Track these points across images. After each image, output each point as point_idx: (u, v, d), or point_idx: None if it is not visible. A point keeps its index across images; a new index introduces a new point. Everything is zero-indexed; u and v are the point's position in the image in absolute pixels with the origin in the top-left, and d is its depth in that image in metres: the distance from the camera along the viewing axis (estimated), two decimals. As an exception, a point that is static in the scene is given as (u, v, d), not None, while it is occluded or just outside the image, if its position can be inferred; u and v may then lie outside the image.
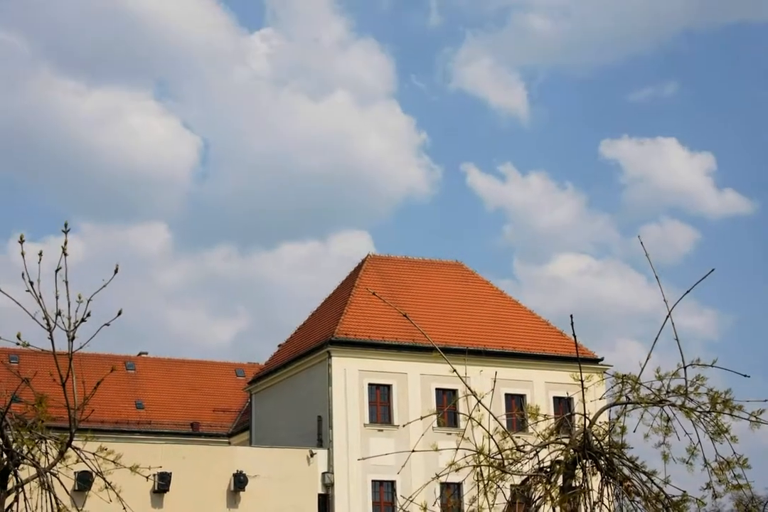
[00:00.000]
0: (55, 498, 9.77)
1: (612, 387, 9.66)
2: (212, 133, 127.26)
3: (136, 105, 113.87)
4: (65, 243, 8.63)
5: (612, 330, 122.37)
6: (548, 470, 9.35)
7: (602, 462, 9.27)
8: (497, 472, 9.29)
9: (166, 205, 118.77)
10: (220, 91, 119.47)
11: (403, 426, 41.27)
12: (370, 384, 44.40)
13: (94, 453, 10.18)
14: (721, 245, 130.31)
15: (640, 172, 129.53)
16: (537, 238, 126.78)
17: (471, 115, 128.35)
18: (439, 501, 10.20)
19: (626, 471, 9.25)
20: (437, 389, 44.33)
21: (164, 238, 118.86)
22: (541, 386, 46.21)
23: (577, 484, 9.22)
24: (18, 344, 9.10)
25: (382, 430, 43.59)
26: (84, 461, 10.11)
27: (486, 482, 9.27)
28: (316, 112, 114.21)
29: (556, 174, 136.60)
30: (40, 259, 8.51)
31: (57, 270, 8.51)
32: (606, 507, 9.17)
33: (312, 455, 42.88)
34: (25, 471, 9.91)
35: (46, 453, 9.96)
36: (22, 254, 8.57)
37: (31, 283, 8.58)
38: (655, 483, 9.20)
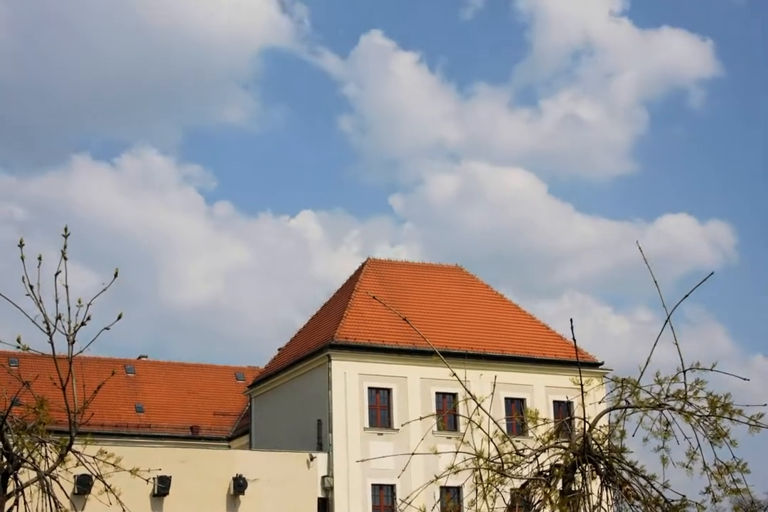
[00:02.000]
0: (55, 501, 9.78)
1: (611, 391, 9.67)
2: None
3: None
4: (65, 247, 8.63)
5: (550, 276, 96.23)
6: (548, 474, 9.35)
7: (602, 466, 9.27)
8: (497, 476, 9.29)
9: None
10: None
11: (402, 425, 41.28)
12: (369, 388, 44.36)
13: (94, 457, 10.19)
14: (673, 115, 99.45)
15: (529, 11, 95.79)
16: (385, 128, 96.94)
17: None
18: (438, 505, 10.20)
19: (626, 475, 9.25)
20: (437, 393, 44.30)
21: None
22: (541, 390, 46.19)
23: (577, 488, 9.22)
24: (18, 347, 9.10)
25: (381, 434, 43.55)
26: (84, 464, 10.12)
27: (485, 486, 9.27)
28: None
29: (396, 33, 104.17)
30: (39, 263, 8.52)
31: (56, 274, 8.52)
32: (605, 510, 9.17)
33: (312, 459, 42.84)
34: (25, 475, 9.91)
35: (46, 456, 9.96)
36: (22, 258, 8.57)
37: (31, 287, 8.58)
38: (654, 488, 9.21)
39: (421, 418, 11.12)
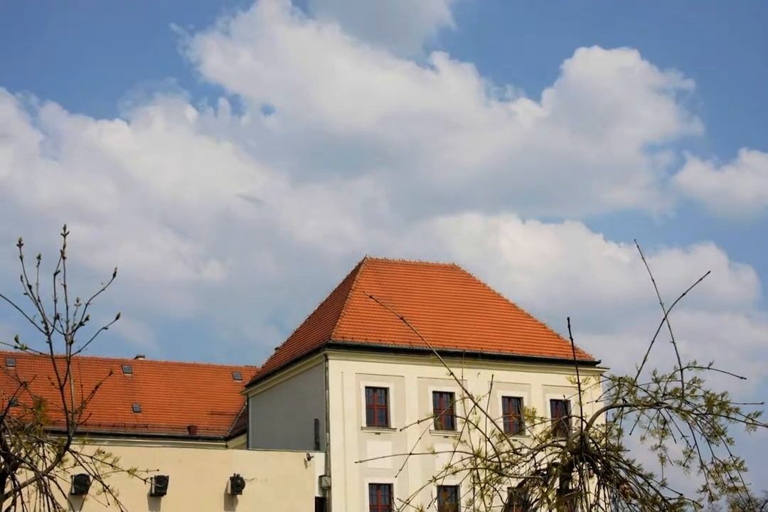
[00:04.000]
0: (53, 501, 9.78)
1: (609, 390, 9.68)
2: None
3: None
4: (64, 246, 8.63)
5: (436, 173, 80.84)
6: (545, 473, 9.36)
7: (599, 465, 9.28)
8: (494, 475, 9.30)
9: None
10: None
11: (401, 430, 41.27)
12: (367, 387, 44.39)
13: (91, 457, 10.19)
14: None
15: None
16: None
17: None
18: (435, 504, 10.20)
19: (623, 474, 9.26)
20: (434, 392, 44.32)
21: None
22: (538, 389, 46.23)
23: (574, 487, 9.23)
24: (16, 347, 9.10)
25: (379, 433, 43.57)
26: (81, 464, 10.11)
27: (483, 485, 9.27)
28: None
29: None
30: (38, 263, 8.51)
31: (55, 274, 8.51)
32: (603, 509, 9.18)
33: (309, 458, 42.86)
34: (23, 475, 9.91)
35: (44, 456, 9.96)
36: (21, 258, 8.56)
37: (30, 287, 8.57)
38: (651, 486, 9.21)
39: (419, 422, 11.16)
